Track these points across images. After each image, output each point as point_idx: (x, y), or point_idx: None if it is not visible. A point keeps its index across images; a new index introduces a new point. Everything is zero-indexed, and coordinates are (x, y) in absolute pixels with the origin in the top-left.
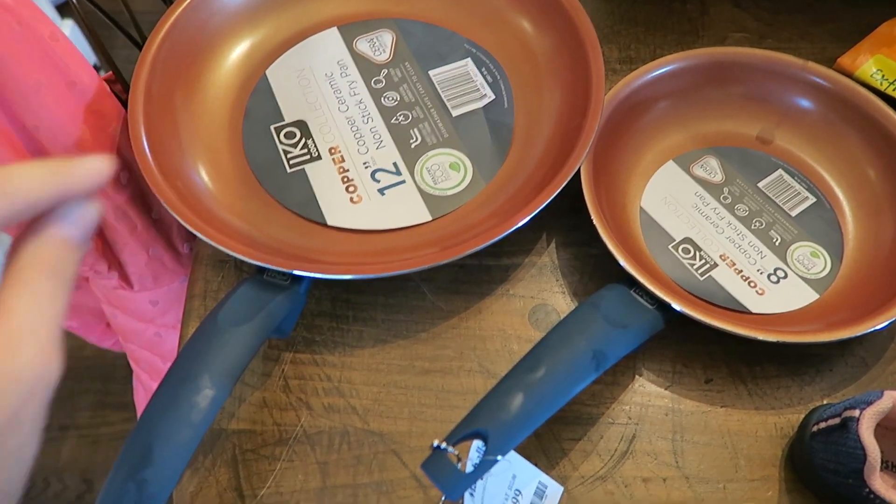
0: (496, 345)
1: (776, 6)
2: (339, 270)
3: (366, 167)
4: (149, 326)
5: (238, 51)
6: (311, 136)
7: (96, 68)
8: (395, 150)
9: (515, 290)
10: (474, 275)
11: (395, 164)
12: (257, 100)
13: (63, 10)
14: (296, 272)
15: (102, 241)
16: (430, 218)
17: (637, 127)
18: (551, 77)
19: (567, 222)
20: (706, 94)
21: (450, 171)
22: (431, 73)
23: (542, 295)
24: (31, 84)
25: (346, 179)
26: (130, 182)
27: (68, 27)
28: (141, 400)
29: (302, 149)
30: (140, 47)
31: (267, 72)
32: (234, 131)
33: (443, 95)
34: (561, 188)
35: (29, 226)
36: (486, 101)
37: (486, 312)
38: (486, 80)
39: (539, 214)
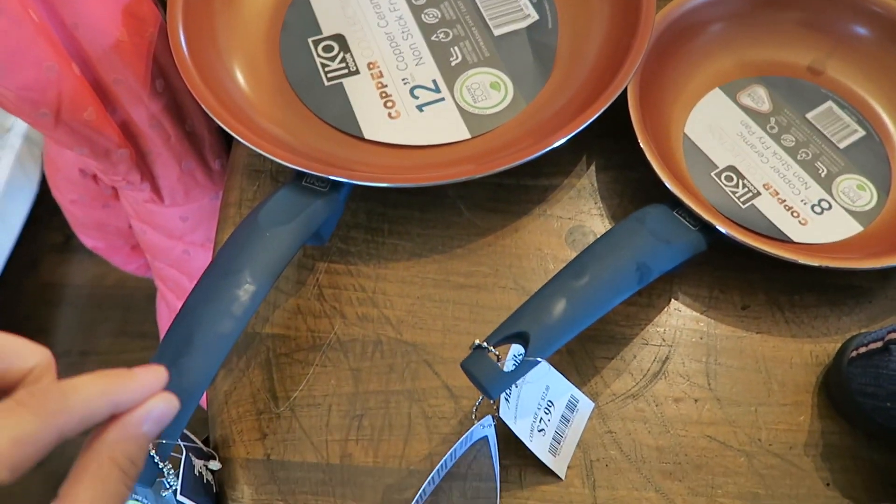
0: (532, 263)
1: None
2: (377, 179)
3: (405, 83)
4: (177, 244)
5: None
6: (350, 51)
7: None
8: (434, 68)
9: (553, 211)
10: (512, 194)
11: (434, 82)
12: (295, 12)
13: None
14: (334, 177)
15: (137, 151)
16: (468, 136)
17: (685, 51)
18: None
19: (608, 145)
20: (760, 19)
21: (490, 90)
22: None
23: (580, 216)
24: None
25: (384, 95)
26: (166, 90)
27: None
28: (164, 321)
29: (340, 63)
30: None
31: None
32: (272, 42)
33: (485, 14)
34: (602, 111)
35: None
36: (529, 20)
37: (522, 231)
38: (531, 1)
39: (580, 136)
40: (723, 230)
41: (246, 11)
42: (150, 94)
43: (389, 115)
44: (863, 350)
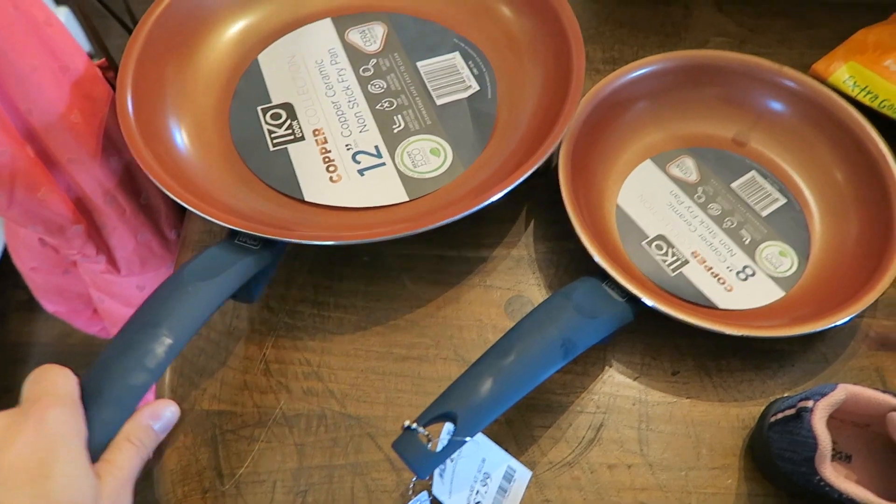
0: (472, 334)
1: (758, 10)
2: (310, 237)
3: (348, 149)
4: (141, 293)
5: (231, 32)
6: (297, 118)
7: (90, 56)
8: (377, 134)
9: (493, 282)
10: (454, 265)
11: (376, 147)
12: (247, 82)
13: None
14: (264, 235)
15: (92, 226)
16: (406, 198)
17: (616, 125)
18: (534, 63)
19: (546, 217)
20: (685, 96)
21: (430, 155)
22: (419, 64)
23: (519, 286)
24: (25, 68)
25: (327, 160)
26: (120, 166)
27: (63, 14)
28: None
29: (286, 129)
30: (130, 30)
31: (259, 57)
32: (222, 110)
33: (429, 85)
34: (533, 168)
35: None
36: (470, 91)
37: (463, 302)
38: (473, 73)
39: (518, 207)
40: (648, 303)
41: (199, 78)
42: (105, 171)
43: (331, 178)
44: (780, 416)
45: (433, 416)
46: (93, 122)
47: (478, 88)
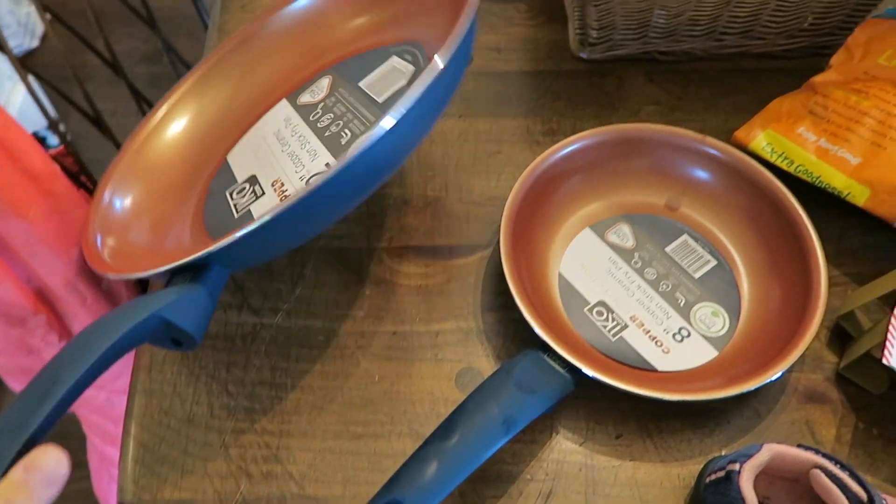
0: (425, 408)
1: (684, 80)
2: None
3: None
4: (100, 392)
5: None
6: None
7: (55, 124)
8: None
9: (444, 355)
10: (406, 340)
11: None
12: (219, 180)
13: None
14: (193, 258)
15: (53, 314)
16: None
17: (555, 197)
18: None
19: (492, 288)
20: (617, 167)
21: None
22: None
23: (469, 358)
24: None
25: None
26: (80, 256)
27: (21, 94)
28: (95, 462)
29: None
30: (91, 116)
31: (228, 157)
32: (198, 208)
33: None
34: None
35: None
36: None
37: (415, 377)
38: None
39: (466, 280)
40: (588, 373)
41: (170, 187)
42: (65, 261)
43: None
44: (713, 477)
45: (382, 502)
46: (52, 216)
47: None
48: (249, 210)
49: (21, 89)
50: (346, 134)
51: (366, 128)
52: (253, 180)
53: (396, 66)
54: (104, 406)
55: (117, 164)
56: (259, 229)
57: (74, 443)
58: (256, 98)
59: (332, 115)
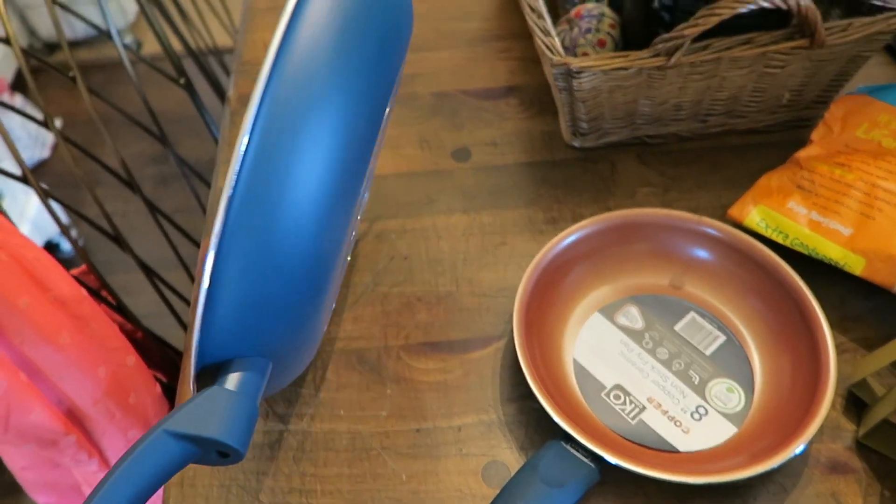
0: None
1: (675, 160)
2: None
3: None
4: None
5: None
6: (630, 393)
7: (67, 232)
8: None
9: (468, 449)
10: (430, 437)
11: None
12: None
13: None
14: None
15: (83, 433)
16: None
17: (563, 285)
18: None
19: (509, 379)
20: (619, 251)
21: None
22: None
23: (493, 451)
24: (19, 306)
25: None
26: (108, 374)
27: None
28: None
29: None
30: (106, 230)
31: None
32: None
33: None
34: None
35: None
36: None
37: (442, 474)
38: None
39: (484, 373)
40: (611, 461)
41: None
42: (94, 380)
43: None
44: None
45: None
46: (79, 338)
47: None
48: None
49: (35, 199)
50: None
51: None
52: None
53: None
54: None
55: None
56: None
57: None
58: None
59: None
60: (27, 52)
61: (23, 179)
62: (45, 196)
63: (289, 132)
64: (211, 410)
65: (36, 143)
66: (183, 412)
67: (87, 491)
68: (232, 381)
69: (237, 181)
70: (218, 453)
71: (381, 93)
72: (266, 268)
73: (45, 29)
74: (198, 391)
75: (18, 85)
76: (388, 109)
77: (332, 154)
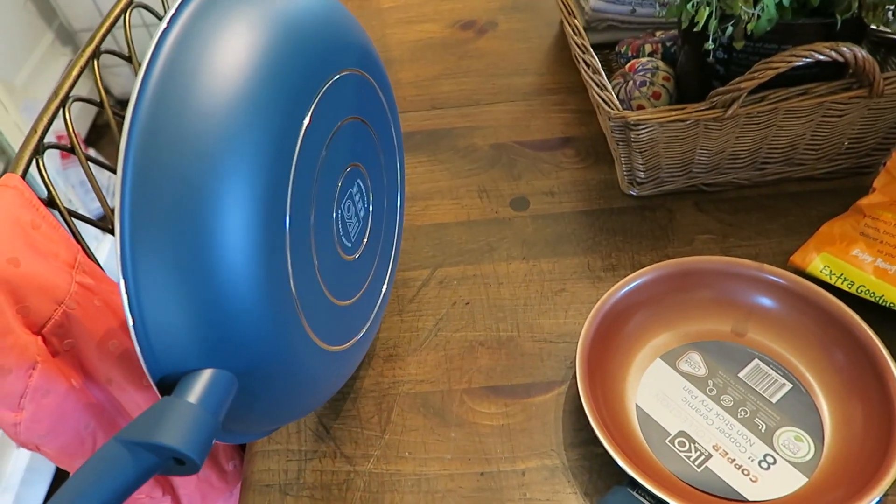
0: None
1: (734, 207)
2: None
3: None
4: None
5: None
6: (695, 441)
7: None
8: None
9: (532, 494)
10: (494, 481)
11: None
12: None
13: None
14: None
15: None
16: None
17: (625, 332)
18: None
19: (572, 424)
20: (680, 298)
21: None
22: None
23: (557, 497)
24: (108, 349)
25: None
26: None
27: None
28: None
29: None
30: None
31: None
32: None
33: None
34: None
35: None
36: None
37: None
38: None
39: (546, 417)
40: None
41: None
42: None
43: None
44: None
45: None
46: None
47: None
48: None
49: (106, 246)
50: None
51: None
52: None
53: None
54: None
55: None
56: None
57: None
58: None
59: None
60: (113, 109)
61: (111, 230)
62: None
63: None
64: (163, 419)
65: (108, 193)
66: (137, 421)
67: None
68: (189, 391)
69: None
70: (175, 461)
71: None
72: (185, 279)
73: (119, 87)
74: None
75: (90, 140)
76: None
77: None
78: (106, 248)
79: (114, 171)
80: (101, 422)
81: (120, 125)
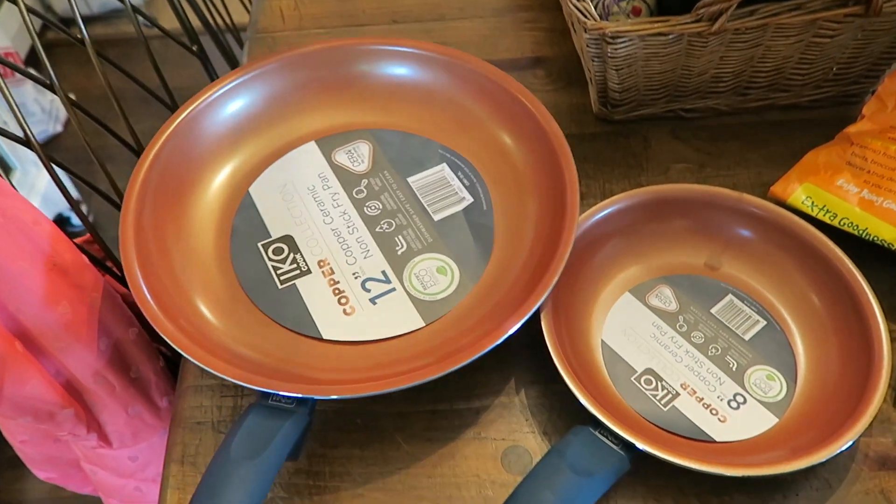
0: (471, 492)
1: (712, 136)
2: (345, 391)
3: (355, 277)
4: (129, 481)
5: (223, 171)
6: (299, 251)
7: (78, 203)
8: (382, 259)
9: (487, 433)
10: (446, 419)
11: (383, 273)
12: (243, 217)
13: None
14: (302, 396)
15: (82, 406)
16: (423, 324)
17: (593, 263)
18: (528, 185)
19: (531, 361)
20: (653, 229)
21: (437, 275)
22: (410, 179)
23: (514, 436)
24: (14, 271)
25: (337, 291)
26: (109, 347)
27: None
28: None
29: (291, 264)
30: (117, 203)
31: (250, 189)
32: (223, 251)
33: (423, 201)
34: (548, 291)
35: None
36: (465, 203)
37: (459, 458)
38: (464, 184)
39: (504, 355)
40: (643, 449)
41: (197, 227)
42: (94, 353)
43: (344, 311)
44: None
45: None
46: (81, 309)
47: (472, 200)
48: (296, 286)
49: (45, 173)
50: (402, 244)
51: (423, 245)
52: (290, 243)
53: (449, 181)
54: (133, 495)
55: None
56: None
57: None
58: (284, 127)
59: (380, 206)
60: (46, 19)
61: (25, 142)
62: (47, 160)
63: None
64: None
65: (49, 118)
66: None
67: (90, 471)
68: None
69: None
70: None
71: None
72: None
73: (61, 4)
74: None
75: (31, 61)
76: None
77: None
78: (30, 174)
79: (46, 86)
80: (8, 349)
81: (53, 44)
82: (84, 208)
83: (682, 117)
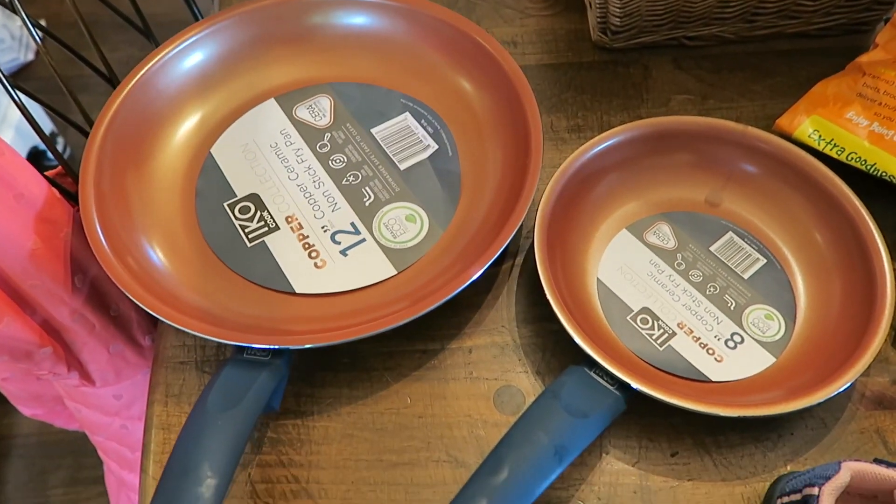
0: (463, 431)
1: (716, 65)
2: (318, 339)
3: (325, 231)
4: (114, 419)
5: (182, 131)
6: (266, 208)
7: (53, 136)
8: (350, 211)
9: (479, 373)
10: (437, 359)
11: (352, 224)
12: (206, 179)
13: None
14: (276, 347)
15: (61, 345)
16: (394, 272)
17: (589, 199)
18: (491, 130)
19: (526, 299)
20: (653, 163)
21: (406, 223)
22: (373, 130)
23: (506, 376)
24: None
25: (307, 246)
26: (86, 284)
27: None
28: (113, 487)
29: (259, 222)
30: (88, 134)
31: (212, 150)
32: (188, 212)
33: (388, 151)
34: (513, 234)
35: None
36: (430, 151)
37: (450, 398)
38: (427, 132)
39: (498, 292)
40: (638, 388)
41: (158, 184)
42: (70, 291)
43: (315, 264)
44: (785, 500)
45: None
46: (54, 244)
47: (437, 147)
48: (265, 243)
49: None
50: (369, 194)
51: (390, 194)
52: (257, 201)
53: (413, 130)
54: (120, 433)
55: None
56: None
57: (89, 459)
58: (241, 85)
59: (345, 159)
60: None
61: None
62: (12, 88)
63: None
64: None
65: (20, 45)
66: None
67: (74, 409)
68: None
69: None
70: None
71: None
72: None
73: None
74: None
75: None
76: None
77: None
78: (2, 106)
79: (5, 4)
80: None
81: None
82: (61, 141)
83: (685, 45)
